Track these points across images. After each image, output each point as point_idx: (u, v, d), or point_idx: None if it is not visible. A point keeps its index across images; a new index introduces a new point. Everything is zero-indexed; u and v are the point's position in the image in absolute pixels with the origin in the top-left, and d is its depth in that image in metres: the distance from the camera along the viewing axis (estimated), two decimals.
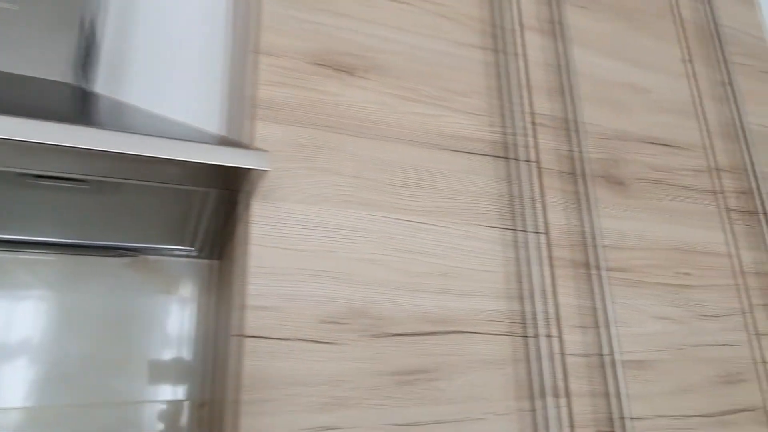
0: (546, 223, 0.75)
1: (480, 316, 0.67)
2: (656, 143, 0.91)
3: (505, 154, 0.77)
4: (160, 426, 0.72)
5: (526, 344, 0.68)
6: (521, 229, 0.73)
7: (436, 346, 0.63)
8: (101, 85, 0.84)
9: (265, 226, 0.59)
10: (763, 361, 0.84)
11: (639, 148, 0.88)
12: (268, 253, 0.58)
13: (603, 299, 0.72)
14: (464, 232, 0.70)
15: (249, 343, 0.54)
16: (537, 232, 0.74)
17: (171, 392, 0.73)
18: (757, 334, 0.85)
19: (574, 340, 0.71)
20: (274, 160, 0.61)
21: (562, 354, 0.69)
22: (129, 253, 0.80)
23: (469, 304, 0.67)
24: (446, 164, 0.72)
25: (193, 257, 0.81)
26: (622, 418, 0.68)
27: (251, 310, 0.55)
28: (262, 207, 0.59)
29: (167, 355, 0.75)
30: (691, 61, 1.03)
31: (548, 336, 0.70)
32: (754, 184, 0.94)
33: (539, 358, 0.67)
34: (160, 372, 0.73)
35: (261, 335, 0.54)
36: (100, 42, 0.86)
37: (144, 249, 0.80)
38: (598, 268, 0.73)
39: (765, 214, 0.92)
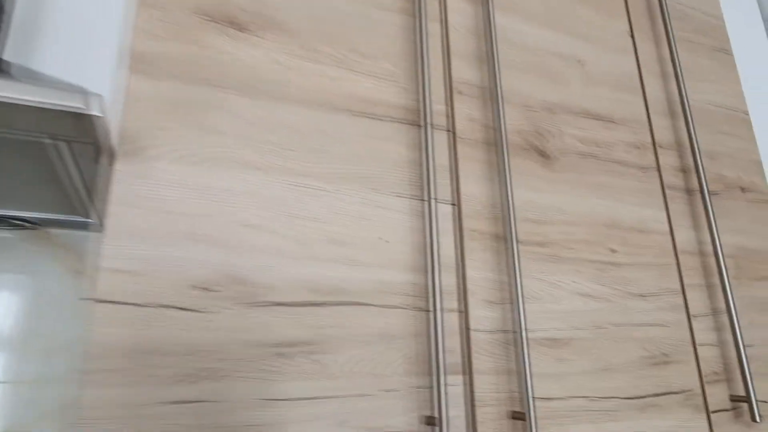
0: (458, 194, 0.71)
1: (378, 288, 0.63)
2: (589, 117, 0.87)
3: (417, 121, 0.73)
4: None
5: (428, 319, 0.65)
6: (431, 198, 0.69)
7: (325, 317, 0.59)
8: (11, 53, 0.80)
9: (131, 186, 0.55)
10: (694, 343, 0.80)
11: (569, 121, 0.84)
12: (133, 213, 0.54)
13: (515, 273, 0.68)
14: (365, 199, 0.66)
15: (100, 309, 0.50)
16: (448, 203, 0.71)
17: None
18: (689, 315, 0.82)
19: (482, 315, 0.67)
20: (144, 115, 0.57)
21: (468, 329, 0.66)
22: (26, 225, 0.76)
23: (366, 275, 0.63)
24: (347, 128, 0.68)
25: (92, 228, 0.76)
26: (530, 397, 0.64)
27: (104, 272, 0.51)
28: (127, 165, 0.55)
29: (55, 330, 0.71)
30: (633, 35, 0.99)
31: (453, 311, 0.66)
32: (695, 162, 0.90)
33: (441, 333, 0.63)
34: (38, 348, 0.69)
35: (113, 300, 0.50)
36: (10, 10, 0.82)
37: (42, 221, 0.76)
38: (511, 241, 0.69)
39: (705, 192, 0.88)
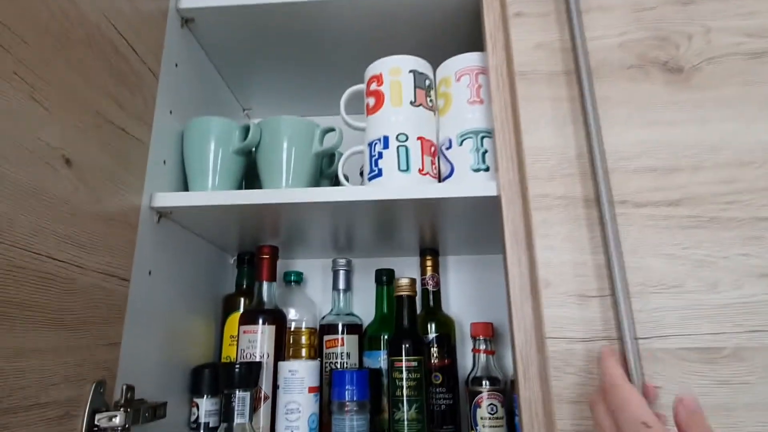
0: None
1: None
2: None
3: None
4: None
5: None
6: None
7: None
8: None
9: None
10: None
11: (719, 10, 0.54)
12: None
13: (611, 249, 0.45)
14: None
15: None
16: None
17: None
18: None
19: (564, 315, 0.46)
20: None
21: (543, 337, 0.46)
22: None
23: None
24: None
25: None
26: None
27: None
28: None
29: None
30: None
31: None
32: None
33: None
34: None
35: None
36: None
37: None
38: (603, 202, 0.47)
39: None
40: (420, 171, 0.62)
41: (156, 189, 0.62)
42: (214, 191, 0.65)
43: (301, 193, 0.61)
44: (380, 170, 0.63)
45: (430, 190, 0.60)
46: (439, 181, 0.65)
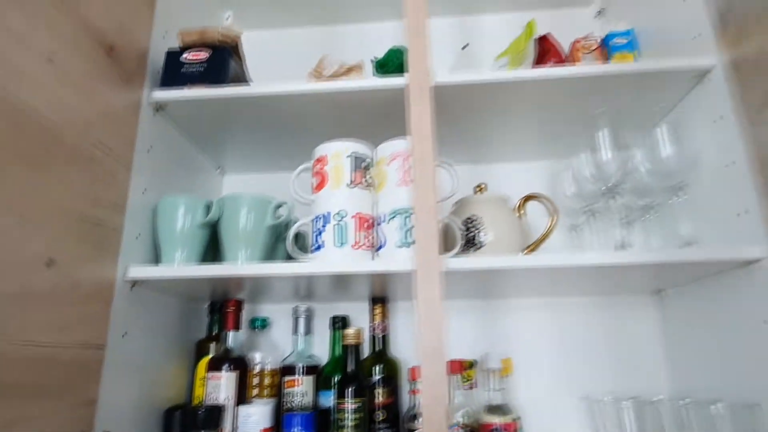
0: None
1: None
2: None
3: None
4: None
5: None
6: None
7: None
8: None
9: None
10: None
11: None
12: None
13: None
14: None
15: None
16: None
17: None
18: None
19: None
20: None
21: None
22: None
23: None
24: None
25: None
26: None
27: None
28: None
29: None
30: None
31: None
32: None
33: None
34: None
35: None
36: None
37: None
38: None
39: None
40: (354, 246, 0.73)
41: (130, 260, 0.73)
42: (180, 265, 0.76)
43: (254, 268, 0.72)
44: (321, 244, 0.73)
45: (359, 265, 0.71)
46: (376, 249, 0.75)
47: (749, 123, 0.68)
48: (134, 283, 0.74)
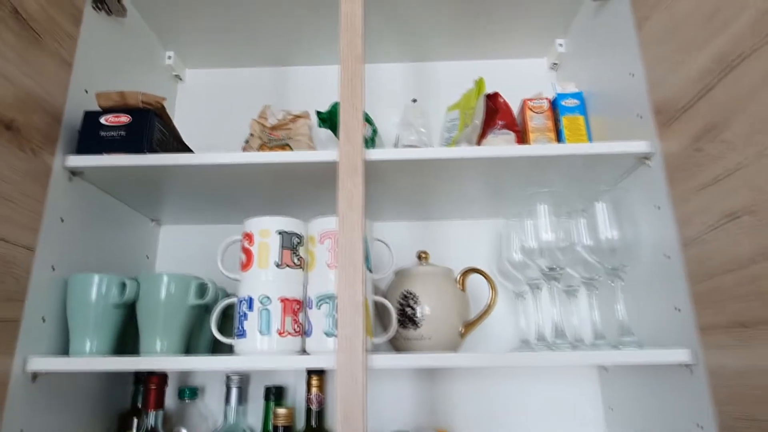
0: None
1: None
2: None
3: None
4: None
5: None
6: None
7: None
8: None
9: None
10: None
11: None
12: None
13: None
14: None
15: None
16: None
17: None
18: None
19: None
20: None
21: None
22: None
23: None
24: None
25: None
26: None
27: None
28: None
29: None
30: None
31: None
32: None
33: None
34: None
35: None
36: None
37: None
38: None
39: None
40: (280, 333, 0.68)
41: (32, 350, 0.66)
42: (91, 357, 0.69)
43: (172, 362, 0.66)
44: (244, 331, 0.69)
45: (285, 361, 0.67)
46: (304, 335, 0.71)
47: (679, 218, 0.66)
48: (36, 375, 0.67)
